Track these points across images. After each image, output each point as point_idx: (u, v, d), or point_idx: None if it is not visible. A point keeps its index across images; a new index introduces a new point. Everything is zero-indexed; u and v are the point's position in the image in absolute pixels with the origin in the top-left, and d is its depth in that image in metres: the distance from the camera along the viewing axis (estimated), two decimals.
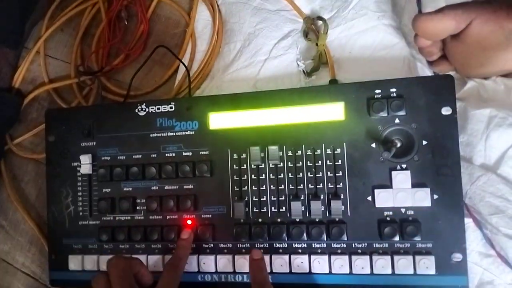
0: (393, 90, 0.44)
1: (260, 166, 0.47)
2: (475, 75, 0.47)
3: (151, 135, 0.50)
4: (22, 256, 0.59)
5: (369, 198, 0.44)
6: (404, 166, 0.44)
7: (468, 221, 0.44)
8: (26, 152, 0.61)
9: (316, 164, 0.46)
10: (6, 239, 0.60)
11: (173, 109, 0.49)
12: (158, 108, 0.50)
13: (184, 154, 0.49)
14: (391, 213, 0.44)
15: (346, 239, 0.44)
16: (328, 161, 0.45)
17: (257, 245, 0.46)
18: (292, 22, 0.54)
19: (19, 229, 0.60)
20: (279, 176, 0.46)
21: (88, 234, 0.51)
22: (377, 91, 0.45)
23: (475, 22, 0.41)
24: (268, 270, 0.46)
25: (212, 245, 0.48)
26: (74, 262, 0.51)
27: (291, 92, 0.47)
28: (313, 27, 0.53)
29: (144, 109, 0.50)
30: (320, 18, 0.52)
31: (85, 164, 0.50)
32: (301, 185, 0.46)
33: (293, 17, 0.55)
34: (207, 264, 0.47)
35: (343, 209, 0.44)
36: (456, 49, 0.45)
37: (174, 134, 0.49)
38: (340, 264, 0.44)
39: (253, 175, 0.47)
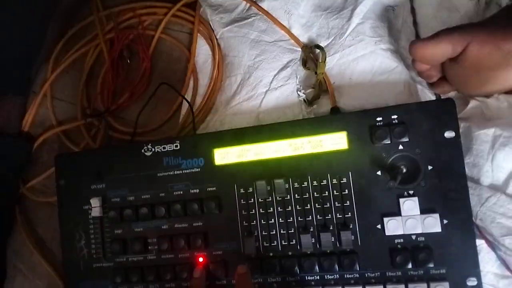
0: (394, 117, 0.44)
1: (267, 200, 0.47)
2: (476, 94, 0.47)
3: (158, 175, 0.50)
4: None
5: (379, 226, 0.44)
6: (411, 192, 0.44)
7: (481, 243, 0.44)
8: (39, 195, 0.62)
9: (323, 194, 0.46)
10: (24, 282, 0.60)
11: (179, 147, 0.50)
12: (164, 148, 0.51)
13: (192, 191, 0.49)
14: (401, 240, 0.43)
15: (358, 269, 0.44)
16: (335, 191, 0.45)
17: (269, 279, 0.46)
18: (290, 52, 0.55)
19: (37, 272, 0.60)
20: (287, 209, 0.47)
21: (103, 276, 0.51)
22: (379, 118, 0.45)
23: (472, 44, 0.41)
24: None
25: (225, 282, 0.48)
26: None
27: (293, 124, 0.48)
28: (311, 56, 0.54)
29: (150, 149, 0.51)
30: (317, 46, 0.53)
31: (96, 207, 0.51)
32: (310, 216, 0.46)
33: (291, 47, 0.55)
34: None
35: (353, 239, 0.44)
36: (455, 72, 0.45)
37: (181, 172, 0.50)
38: None
39: (261, 209, 0.47)
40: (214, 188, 0.49)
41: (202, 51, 0.59)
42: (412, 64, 0.47)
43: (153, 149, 0.51)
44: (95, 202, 0.51)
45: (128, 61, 0.63)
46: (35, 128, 0.65)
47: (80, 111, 0.62)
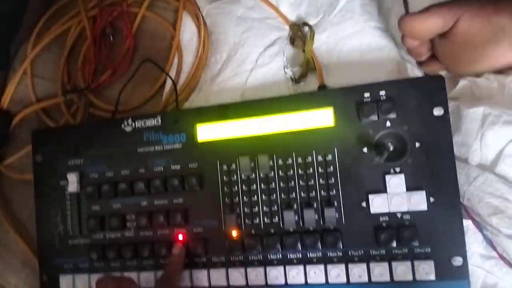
0: (382, 93, 0.43)
1: (250, 177, 0.46)
2: (466, 73, 0.46)
3: (138, 150, 0.49)
4: (14, 278, 0.57)
5: (364, 204, 0.43)
6: (398, 169, 0.42)
7: (468, 223, 0.43)
8: (16, 173, 0.60)
9: (308, 172, 0.44)
10: None
11: (160, 122, 0.49)
12: (145, 123, 0.49)
13: (173, 168, 0.48)
14: (386, 218, 0.42)
15: (341, 247, 0.43)
16: (319, 168, 0.44)
17: (251, 257, 0.45)
18: (278, 30, 0.54)
19: (12, 250, 0.58)
20: (270, 186, 0.45)
21: (79, 253, 0.50)
22: (366, 94, 0.44)
23: (462, 19, 0.40)
24: (263, 282, 0.44)
25: (204, 259, 0.46)
26: (65, 282, 0.50)
27: (278, 100, 0.46)
28: (299, 34, 0.53)
29: (130, 124, 0.49)
30: (306, 24, 0.52)
31: (73, 183, 0.50)
32: (293, 194, 0.45)
33: (278, 25, 0.54)
34: (200, 279, 0.46)
35: (337, 216, 0.43)
36: (445, 48, 0.44)
37: (162, 148, 0.48)
38: (337, 273, 0.43)
39: (243, 186, 0.46)
40: (196, 164, 0.47)
41: (188, 28, 0.58)
42: (402, 40, 0.46)
43: (133, 124, 0.49)
44: (72, 178, 0.50)
45: (112, 39, 0.61)
46: (14, 105, 0.63)
47: (60, 88, 0.60)
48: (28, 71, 0.62)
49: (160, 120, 0.49)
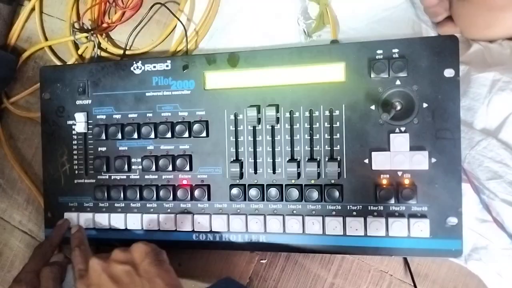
0: (395, 50, 0.43)
1: (256, 128, 0.46)
2: (480, 37, 0.46)
3: (146, 94, 0.49)
4: (19, 214, 0.59)
5: (366, 161, 0.44)
6: (403, 129, 0.43)
7: (466, 187, 0.44)
8: (22, 111, 0.60)
9: (314, 126, 0.45)
10: (3, 197, 0.60)
11: (169, 67, 0.48)
12: (154, 66, 0.49)
13: (180, 114, 0.48)
14: (387, 176, 0.43)
15: (341, 201, 0.44)
16: (326, 123, 0.45)
17: (252, 205, 0.46)
18: None
19: (16, 188, 0.60)
20: (275, 138, 0.46)
21: (84, 192, 0.51)
22: (379, 51, 0.43)
23: None
24: (262, 230, 0.46)
25: (207, 205, 0.47)
26: (70, 220, 0.51)
27: (290, 51, 0.46)
28: None
29: (139, 67, 0.49)
30: None
31: (80, 123, 0.50)
32: (298, 147, 0.45)
33: None
34: (202, 224, 0.47)
35: (339, 171, 0.44)
36: (462, 9, 0.44)
37: (170, 93, 0.48)
38: (334, 226, 0.44)
39: (249, 137, 0.46)
40: (203, 112, 0.48)
41: None
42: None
43: (142, 67, 0.49)
44: (79, 117, 0.50)
45: None
46: (22, 42, 0.62)
47: (69, 27, 0.59)
48: (37, 8, 0.61)
49: (169, 65, 0.48)
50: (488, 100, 0.43)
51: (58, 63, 0.59)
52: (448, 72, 0.42)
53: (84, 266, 0.42)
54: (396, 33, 0.48)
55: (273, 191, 0.45)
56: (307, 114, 0.45)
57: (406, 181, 0.43)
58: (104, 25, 0.58)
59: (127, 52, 0.56)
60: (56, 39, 0.60)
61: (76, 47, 0.59)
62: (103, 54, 0.58)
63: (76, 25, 0.57)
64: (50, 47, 0.60)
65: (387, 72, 0.43)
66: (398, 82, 0.43)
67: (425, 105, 0.42)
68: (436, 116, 0.42)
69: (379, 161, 0.43)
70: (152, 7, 0.55)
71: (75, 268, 0.43)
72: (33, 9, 0.62)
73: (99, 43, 0.58)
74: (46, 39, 0.61)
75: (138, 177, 0.49)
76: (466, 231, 0.44)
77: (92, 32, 0.57)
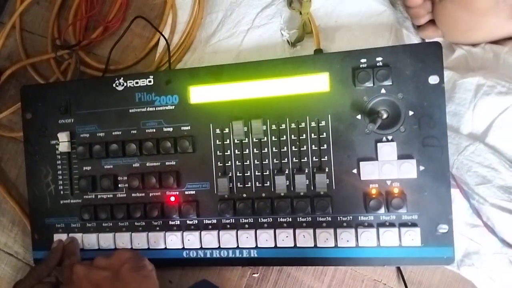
0: (379, 59, 0.43)
1: (243, 141, 0.46)
2: (463, 41, 0.46)
3: (130, 111, 0.48)
4: (4, 236, 0.58)
5: (354, 171, 0.43)
6: (390, 137, 0.43)
7: (455, 192, 0.44)
8: (5, 131, 0.59)
9: (301, 137, 0.44)
10: None
11: (152, 83, 0.48)
12: (137, 82, 0.48)
13: (165, 129, 0.47)
14: (376, 185, 0.43)
15: (331, 213, 0.44)
16: (312, 134, 0.44)
17: (242, 220, 0.46)
18: None
19: (1, 209, 0.58)
20: (263, 151, 0.45)
21: (71, 213, 0.50)
22: (363, 60, 0.43)
23: None
24: (253, 245, 0.45)
25: (196, 222, 0.47)
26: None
27: (274, 63, 0.45)
28: None
29: (122, 84, 0.48)
30: None
31: (63, 142, 0.49)
32: (286, 159, 0.45)
33: None
34: (192, 241, 0.46)
35: (327, 182, 0.43)
36: (444, 12, 0.44)
37: (154, 109, 0.48)
38: (326, 238, 0.44)
39: (236, 150, 0.46)
40: (189, 127, 0.47)
41: None
42: None
43: (125, 84, 0.48)
44: (62, 137, 0.49)
45: None
46: (2, 61, 0.61)
47: (50, 44, 0.58)
48: (17, 26, 0.60)
49: (152, 80, 0.48)
50: (473, 105, 0.43)
51: (40, 80, 0.58)
52: (433, 79, 0.42)
53: (70, 274, 0.43)
54: (379, 41, 0.48)
55: (262, 205, 0.45)
56: (293, 125, 0.45)
57: (395, 190, 0.42)
58: (86, 40, 0.57)
59: (110, 67, 0.55)
60: (37, 56, 0.59)
61: (58, 63, 0.58)
62: (86, 70, 0.57)
63: (58, 42, 0.57)
64: (31, 65, 0.59)
65: (371, 81, 0.42)
66: (383, 91, 0.43)
67: (411, 113, 0.42)
68: (422, 124, 0.42)
69: (367, 171, 0.43)
70: (134, 21, 0.54)
71: (63, 276, 0.44)
72: (13, 26, 0.61)
73: (82, 59, 0.57)
74: (28, 57, 0.60)
75: (125, 195, 0.48)
76: (458, 236, 0.43)
77: (73, 48, 0.56)
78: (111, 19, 0.57)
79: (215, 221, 0.46)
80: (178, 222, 0.47)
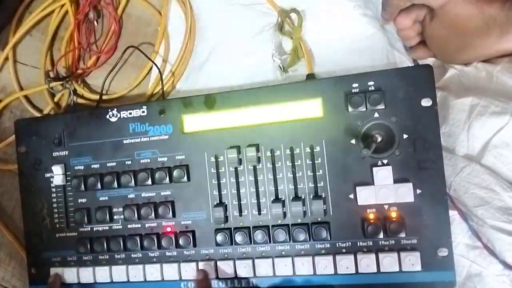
0: (371, 83, 0.43)
1: (238, 169, 0.45)
2: (454, 61, 0.46)
3: (124, 141, 0.48)
4: (1, 270, 0.57)
5: (351, 196, 0.43)
6: (385, 161, 0.42)
7: (453, 214, 0.43)
8: (0, 163, 0.59)
9: (296, 163, 0.44)
10: None
11: (145, 113, 0.48)
12: (130, 113, 0.48)
13: (160, 159, 0.47)
14: (374, 210, 0.42)
15: (329, 239, 0.43)
16: (307, 160, 0.44)
17: (239, 249, 0.45)
18: (266, 16, 0.52)
19: None
20: (258, 178, 0.45)
21: (66, 246, 0.49)
22: (355, 85, 0.43)
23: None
24: (251, 274, 0.45)
25: (193, 252, 0.46)
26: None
27: (266, 89, 0.45)
28: (288, 20, 0.51)
29: (115, 115, 0.48)
30: (294, 10, 0.50)
31: (58, 175, 0.49)
32: (281, 186, 0.44)
33: (267, 11, 0.53)
34: (189, 272, 0.46)
35: (324, 208, 0.43)
36: (434, 32, 0.44)
37: (148, 139, 0.47)
38: (325, 265, 0.43)
39: (231, 178, 0.46)
40: (183, 156, 0.47)
41: (174, 13, 0.56)
42: (394, 20, 0.45)
43: (118, 115, 0.48)
44: (57, 170, 0.49)
45: (96, 23, 0.59)
46: None
47: (44, 75, 0.58)
48: (10, 58, 0.61)
49: (145, 111, 0.48)
50: (468, 126, 0.43)
51: (35, 112, 0.58)
52: (425, 102, 0.42)
53: None
54: (371, 63, 0.48)
55: (259, 234, 0.44)
56: (288, 152, 0.44)
57: (393, 214, 0.42)
58: (79, 71, 0.57)
59: (103, 97, 0.55)
60: (31, 88, 0.59)
61: (52, 95, 0.58)
62: (80, 100, 0.57)
63: (51, 74, 0.57)
64: (25, 97, 0.59)
65: (364, 105, 0.42)
66: (376, 115, 0.42)
67: (405, 136, 0.42)
68: (417, 147, 0.42)
69: (364, 196, 0.42)
70: (126, 50, 0.54)
71: None
72: (6, 59, 0.61)
73: (75, 90, 0.57)
74: (22, 89, 0.60)
75: (120, 227, 0.48)
76: (459, 259, 0.43)
77: (67, 79, 0.56)
78: (104, 49, 0.58)
79: (212, 251, 0.46)
80: (175, 253, 0.47)
